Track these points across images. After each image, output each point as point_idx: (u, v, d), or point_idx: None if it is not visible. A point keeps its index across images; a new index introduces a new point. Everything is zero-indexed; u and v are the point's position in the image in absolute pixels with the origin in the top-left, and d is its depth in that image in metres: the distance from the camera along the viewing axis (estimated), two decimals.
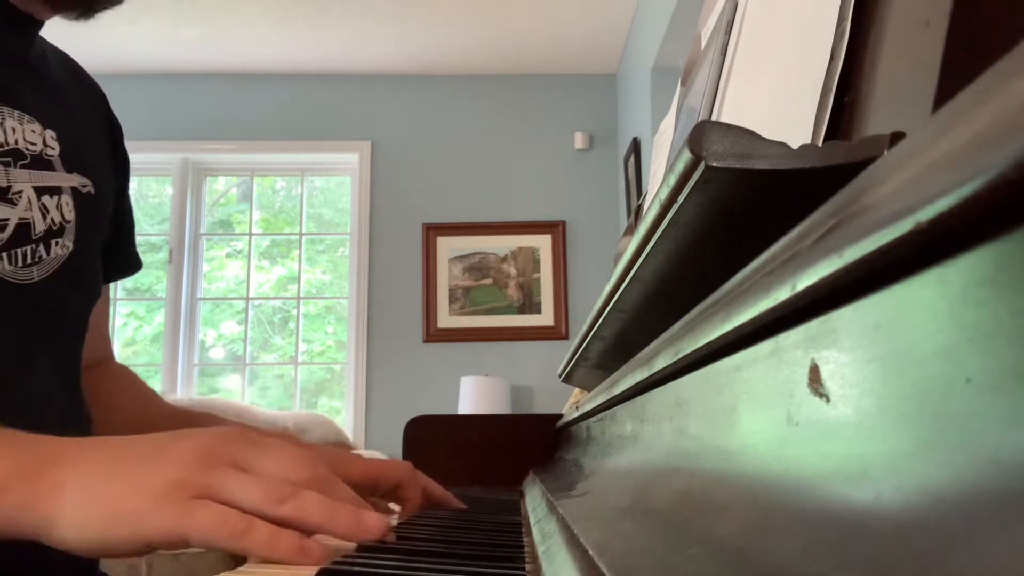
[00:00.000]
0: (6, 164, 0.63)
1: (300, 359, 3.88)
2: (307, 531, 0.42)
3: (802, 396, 0.20)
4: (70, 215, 0.69)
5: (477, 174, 3.86)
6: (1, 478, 0.42)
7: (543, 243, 3.81)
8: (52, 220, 0.67)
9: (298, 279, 3.95)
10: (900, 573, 0.13)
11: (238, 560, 2.68)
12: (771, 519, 0.20)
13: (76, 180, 0.70)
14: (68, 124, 0.71)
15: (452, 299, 3.76)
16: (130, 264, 0.85)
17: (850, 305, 0.17)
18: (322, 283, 4.03)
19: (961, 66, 0.26)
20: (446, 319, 3.74)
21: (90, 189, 0.72)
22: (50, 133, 0.68)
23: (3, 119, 0.64)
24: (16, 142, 0.64)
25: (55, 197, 0.67)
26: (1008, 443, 0.12)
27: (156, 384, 3.78)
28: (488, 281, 3.78)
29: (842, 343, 0.18)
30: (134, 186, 3.94)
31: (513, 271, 3.79)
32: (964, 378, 0.13)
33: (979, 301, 0.12)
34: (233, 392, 3.86)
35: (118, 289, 3.84)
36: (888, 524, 0.15)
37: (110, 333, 0.88)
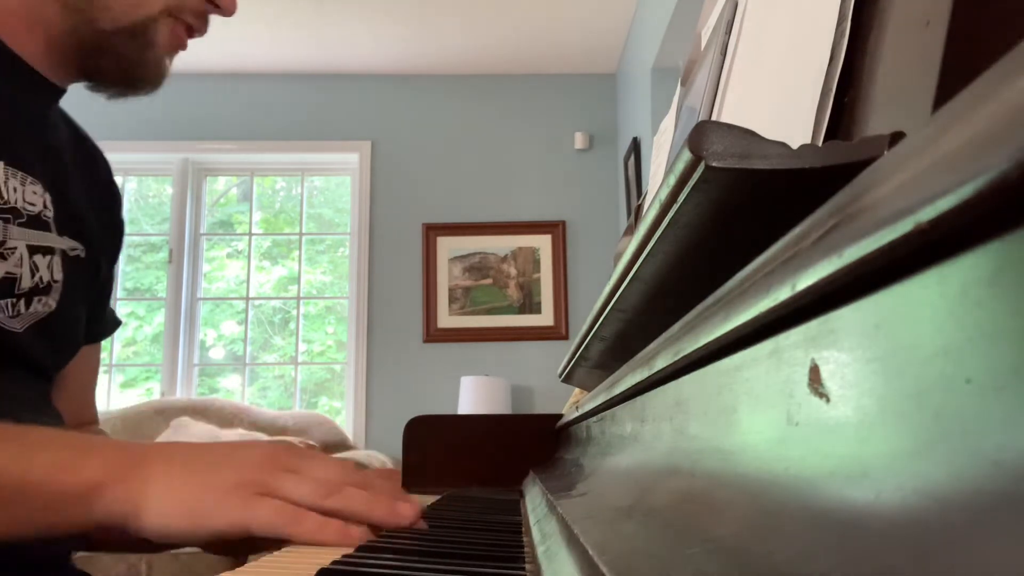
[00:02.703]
0: (5, 220, 0.66)
1: (300, 359, 3.88)
2: (351, 520, 0.50)
3: (802, 396, 0.20)
4: (58, 275, 0.71)
5: (477, 174, 3.86)
6: (102, 476, 0.50)
7: (543, 243, 3.81)
8: (40, 278, 0.69)
9: (298, 279, 3.95)
10: (900, 573, 0.13)
11: (238, 560, 2.68)
12: (771, 519, 0.20)
13: (67, 244, 0.73)
14: (66, 191, 0.74)
15: (452, 299, 3.76)
16: (111, 324, 0.88)
17: (850, 305, 0.17)
18: (322, 283, 4.03)
19: (961, 66, 0.26)
20: (446, 319, 3.74)
21: (80, 253, 0.74)
22: (49, 196, 0.71)
23: (7, 178, 0.66)
24: (16, 201, 0.67)
25: (47, 257, 0.70)
26: (1008, 443, 0.12)
27: (156, 384, 3.78)
28: (488, 281, 3.78)
29: (842, 343, 0.18)
30: (133, 186, 3.96)
31: (513, 271, 3.79)
32: (964, 378, 0.13)
33: (979, 301, 0.12)
34: (233, 392, 3.86)
35: (118, 289, 3.84)
36: (888, 524, 0.15)
37: (95, 398, 0.90)
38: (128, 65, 0.71)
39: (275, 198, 4.15)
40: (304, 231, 4.00)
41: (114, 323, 0.89)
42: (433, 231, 3.80)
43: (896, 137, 0.26)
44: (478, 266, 3.79)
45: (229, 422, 3.33)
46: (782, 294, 0.20)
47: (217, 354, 3.96)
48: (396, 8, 3.41)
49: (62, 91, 0.74)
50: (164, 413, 3.37)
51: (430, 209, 3.82)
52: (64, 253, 0.72)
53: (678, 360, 0.32)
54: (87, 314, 0.79)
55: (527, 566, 0.42)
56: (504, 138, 3.90)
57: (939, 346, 0.14)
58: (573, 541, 0.35)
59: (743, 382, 0.25)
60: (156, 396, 3.69)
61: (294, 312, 3.93)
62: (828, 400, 0.19)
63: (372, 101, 3.92)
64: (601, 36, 3.66)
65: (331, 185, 4.10)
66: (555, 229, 3.81)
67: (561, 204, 3.84)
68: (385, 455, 3.26)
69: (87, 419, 0.87)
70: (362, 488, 0.52)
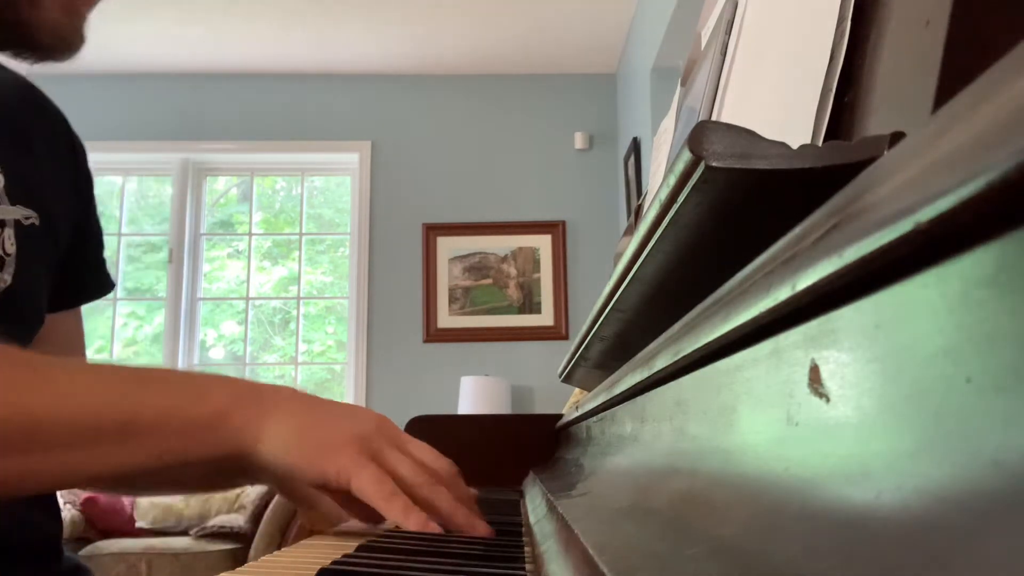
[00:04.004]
0: None
1: (300, 359, 3.88)
2: (432, 515, 0.53)
3: (802, 396, 0.20)
4: (11, 248, 0.66)
5: (477, 174, 3.86)
6: (228, 405, 0.52)
7: (543, 243, 3.81)
8: None
9: (298, 279, 3.95)
10: (900, 573, 0.13)
11: (238, 560, 2.69)
12: (771, 519, 0.20)
13: (19, 212, 0.68)
14: (15, 155, 0.69)
15: (452, 299, 3.76)
16: (100, 286, 0.82)
17: (850, 305, 0.17)
18: (322, 283, 4.03)
19: (961, 66, 0.26)
20: (446, 319, 3.74)
21: (34, 221, 0.69)
22: None
23: None
24: None
25: None
26: (1008, 443, 0.12)
27: None
28: (488, 281, 3.78)
29: (842, 343, 0.18)
30: (133, 186, 3.95)
31: (513, 271, 3.79)
32: (964, 378, 0.13)
33: (979, 301, 0.12)
34: None
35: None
36: (888, 524, 0.15)
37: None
38: (21, 31, 0.63)
39: (275, 198, 4.15)
40: (304, 231, 4.00)
41: (105, 285, 0.82)
42: (433, 231, 3.80)
43: (896, 137, 0.26)
44: (478, 266, 3.79)
45: None
46: (782, 294, 0.20)
47: (217, 354, 3.95)
48: (396, 8, 3.41)
49: None
50: None
51: (430, 209, 3.82)
52: (18, 223, 0.67)
53: (678, 360, 0.32)
54: (58, 281, 0.74)
55: (527, 566, 0.42)
56: (504, 138, 3.90)
57: (939, 346, 0.14)
58: (573, 541, 0.35)
59: (743, 382, 0.25)
60: None
61: (294, 312, 3.93)
62: (828, 400, 0.19)
63: (372, 101, 3.92)
64: (601, 36, 3.66)
65: (331, 185, 4.10)
66: (555, 229, 3.81)
67: (561, 204, 3.84)
68: None
69: None
70: (450, 484, 0.56)
